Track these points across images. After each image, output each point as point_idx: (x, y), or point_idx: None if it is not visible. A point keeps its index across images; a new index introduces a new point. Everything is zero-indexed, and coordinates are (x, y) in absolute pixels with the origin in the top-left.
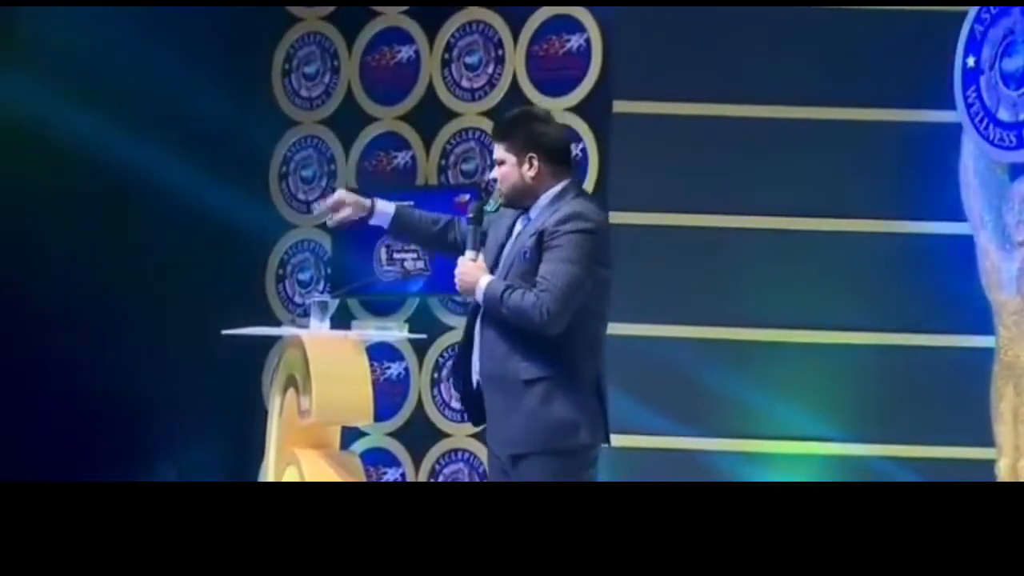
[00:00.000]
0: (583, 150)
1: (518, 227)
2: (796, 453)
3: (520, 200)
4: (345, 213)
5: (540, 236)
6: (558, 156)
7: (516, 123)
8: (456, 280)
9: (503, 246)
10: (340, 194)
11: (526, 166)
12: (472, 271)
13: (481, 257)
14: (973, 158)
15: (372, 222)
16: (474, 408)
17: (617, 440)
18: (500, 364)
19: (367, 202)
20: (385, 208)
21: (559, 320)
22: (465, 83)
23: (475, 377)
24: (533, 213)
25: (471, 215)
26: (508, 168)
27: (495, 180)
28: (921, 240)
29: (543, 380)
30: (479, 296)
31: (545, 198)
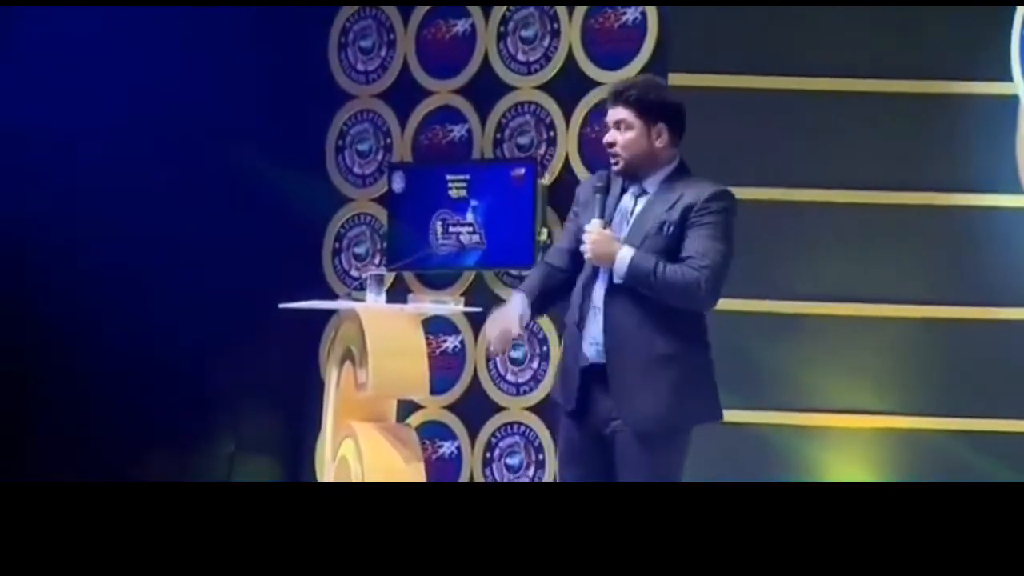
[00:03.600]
0: None
1: (629, 200)
2: (856, 427)
3: (638, 168)
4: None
5: (686, 211)
6: (681, 130)
7: (649, 89)
8: (587, 248)
9: (610, 218)
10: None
11: (655, 134)
12: (607, 240)
13: (608, 226)
14: None
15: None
16: (581, 389)
17: None
18: (630, 336)
19: (520, 321)
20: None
21: (716, 297)
22: (521, 56)
23: (589, 351)
24: (650, 187)
25: (599, 183)
26: (635, 135)
27: (611, 143)
28: (981, 213)
29: (683, 356)
30: (621, 267)
31: (662, 172)
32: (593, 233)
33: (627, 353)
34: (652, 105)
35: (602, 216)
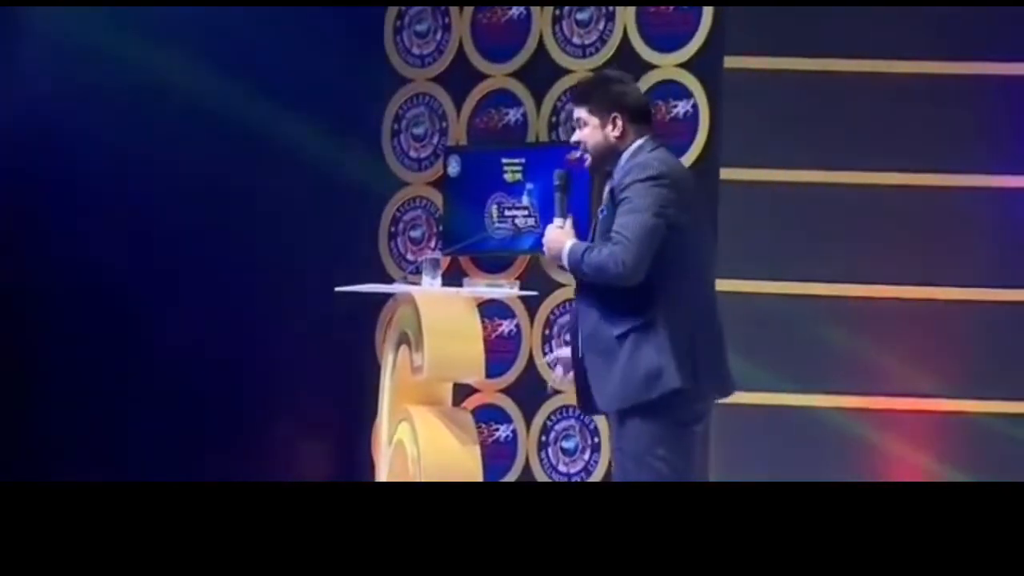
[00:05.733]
0: (694, 106)
1: (606, 190)
2: (910, 410)
3: (605, 160)
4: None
5: (612, 193)
6: (640, 115)
7: (596, 86)
8: (544, 248)
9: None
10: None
11: (610, 126)
12: (558, 237)
13: (568, 224)
14: None
15: None
16: (579, 384)
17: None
18: (596, 325)
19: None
20: None
21: (636, 269)
22: (576, 40)
23: (580, 346)
24: (616, 174)
25: (557, 183)
26: (591, 130)
27: (579, 142)
28: None
29: (631, 332)
30: (564, 261)
31: (625, 156)
32: (549, 232)
33: (594, 341)
34: (601, 100)
35: (562, 215)
